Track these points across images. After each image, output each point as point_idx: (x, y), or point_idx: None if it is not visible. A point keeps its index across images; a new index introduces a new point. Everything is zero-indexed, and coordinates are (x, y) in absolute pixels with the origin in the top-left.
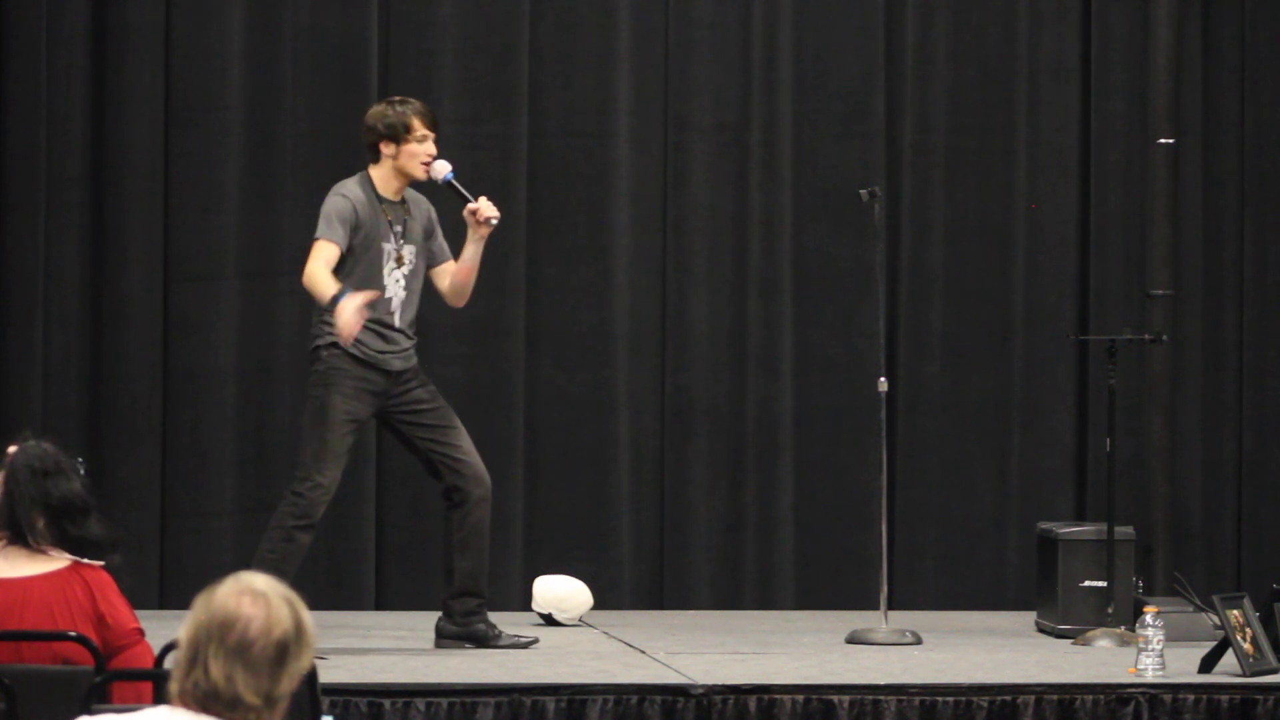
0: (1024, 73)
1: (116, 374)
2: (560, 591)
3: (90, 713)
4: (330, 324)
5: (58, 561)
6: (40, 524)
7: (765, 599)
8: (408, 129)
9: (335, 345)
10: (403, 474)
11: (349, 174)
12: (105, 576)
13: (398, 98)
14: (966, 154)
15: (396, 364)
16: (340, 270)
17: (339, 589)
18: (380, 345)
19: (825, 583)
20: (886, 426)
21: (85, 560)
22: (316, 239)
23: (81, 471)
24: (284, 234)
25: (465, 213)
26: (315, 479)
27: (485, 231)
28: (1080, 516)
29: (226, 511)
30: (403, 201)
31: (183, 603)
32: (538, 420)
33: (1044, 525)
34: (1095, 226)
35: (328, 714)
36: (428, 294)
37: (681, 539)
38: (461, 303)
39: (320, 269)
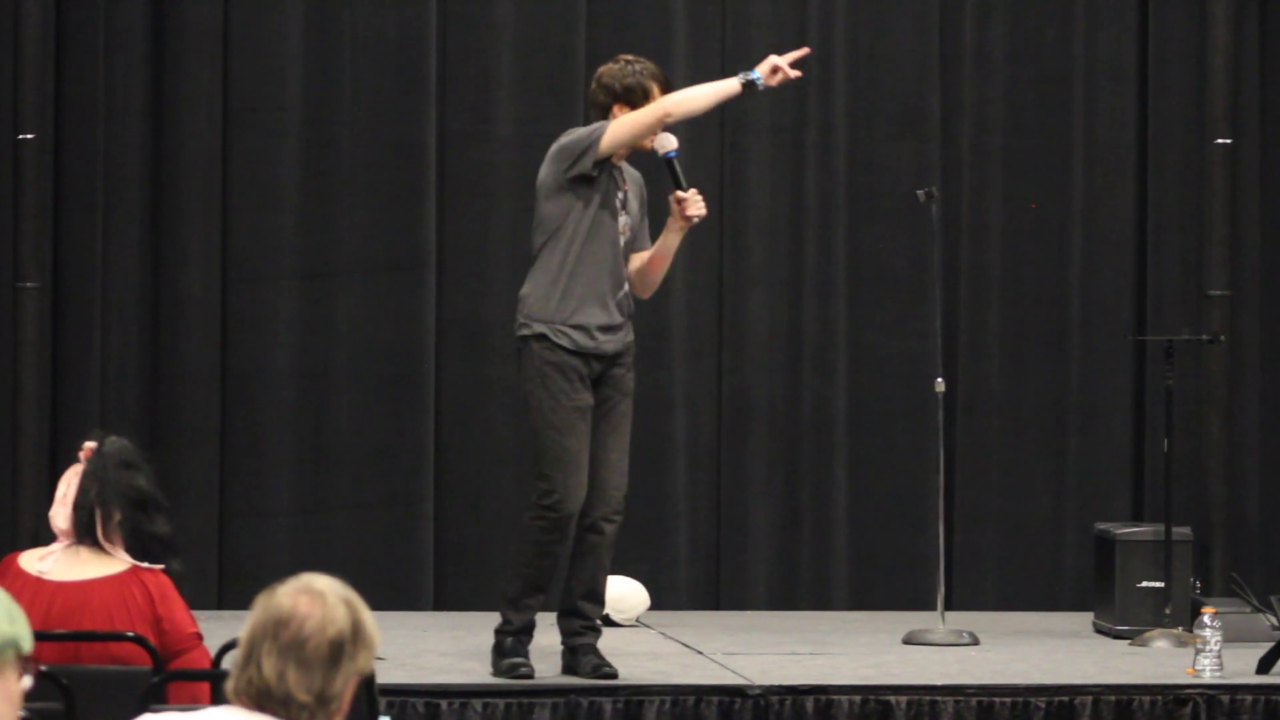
0: (1081, 73)
1: (175, 374)
2: (617, 592)
3: (149, 713)
4: (543, 308)
5: (118, 565)
6: (117, 516)
7: (821, 599)
8: (646, 94)
9: (543, 337)
10: (461, 474)
11: (406, 172)
12: (165, 580)
13: (631, 57)
14: (1023, 154)
15: (610, 345)
16: (564, 230)
17: (397, 589)
18: (599, 323)
19: (881, 583)
20: (944, 427)
21: (146, 564)
22: (603, 126)
23: None
24: (341, 234)
25: (672, 198)
26: (560, 488)
27: (686, 225)
28: (1138, 517)
29: (284, 512)
30: (620, 169)
31: (241, 603)
32: None
33: (1101, 526)
34: (1152, 227)
35: (385, 714)
36: (477, 290)
37: (738, 539)
38: (648, 294)
39: (648, 106)
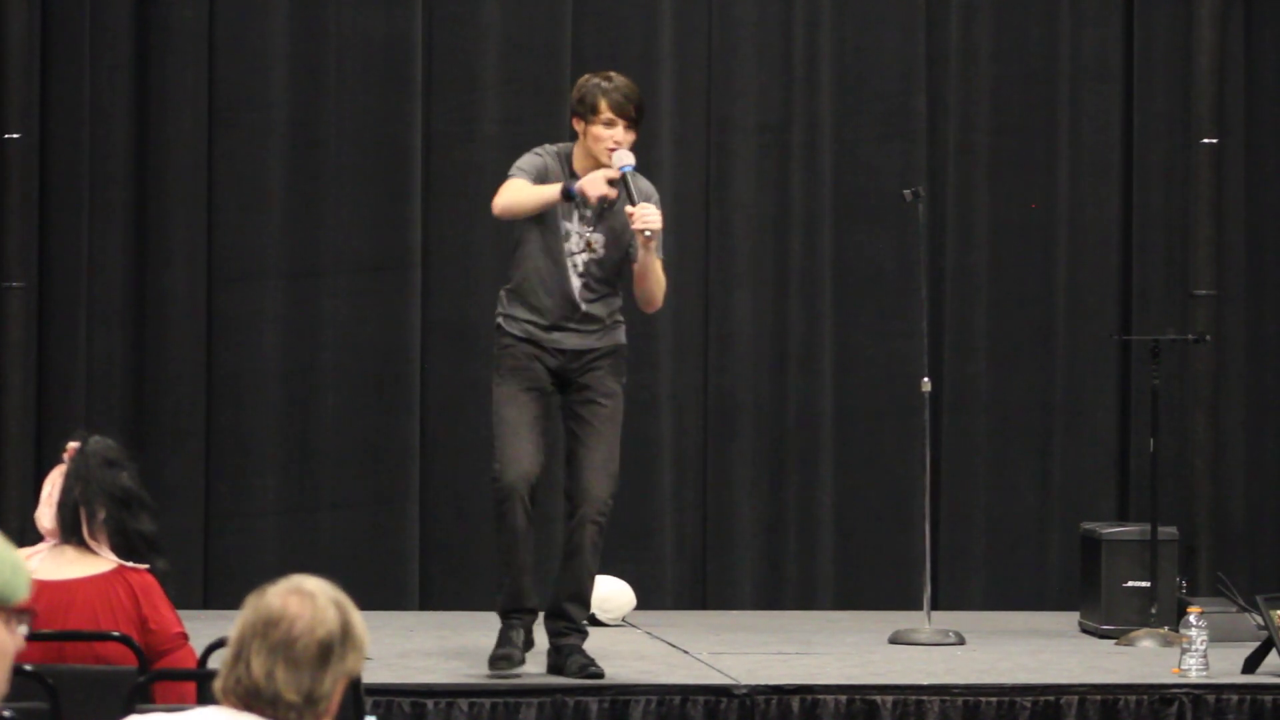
0: (1066, 73)
1: (160, 374)
2: (603, 592)
3: (135, 713)
4: (501, 300)
5: (103, 564)
6: (102, 514)
7: (807, 599)
8: (594, 110)
9: (500, 327)
10: (446, 473)
11: (392, 173)
12: (150, 580)
13: (609, 74)
14: (1008, 154)
15: (571, 342)
16: (522, 239)
17: (382, 589)
18: (550, 323)
19: (867, 583)
20: (930, 426)
21: (131, 564)
22: (511, 174)
23: None
24: (327, 234)
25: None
26: (501, 458)
27: (645, 241)
28: (1123, 517)
29: (270, 511)
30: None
31: (226, 603)
32: None
33: (1087, 525)
34: (1138, 226)
35: (371, 714)
36: (463, 290)
37: (724, 539)
38: (649, 309)
39: (514, 188)
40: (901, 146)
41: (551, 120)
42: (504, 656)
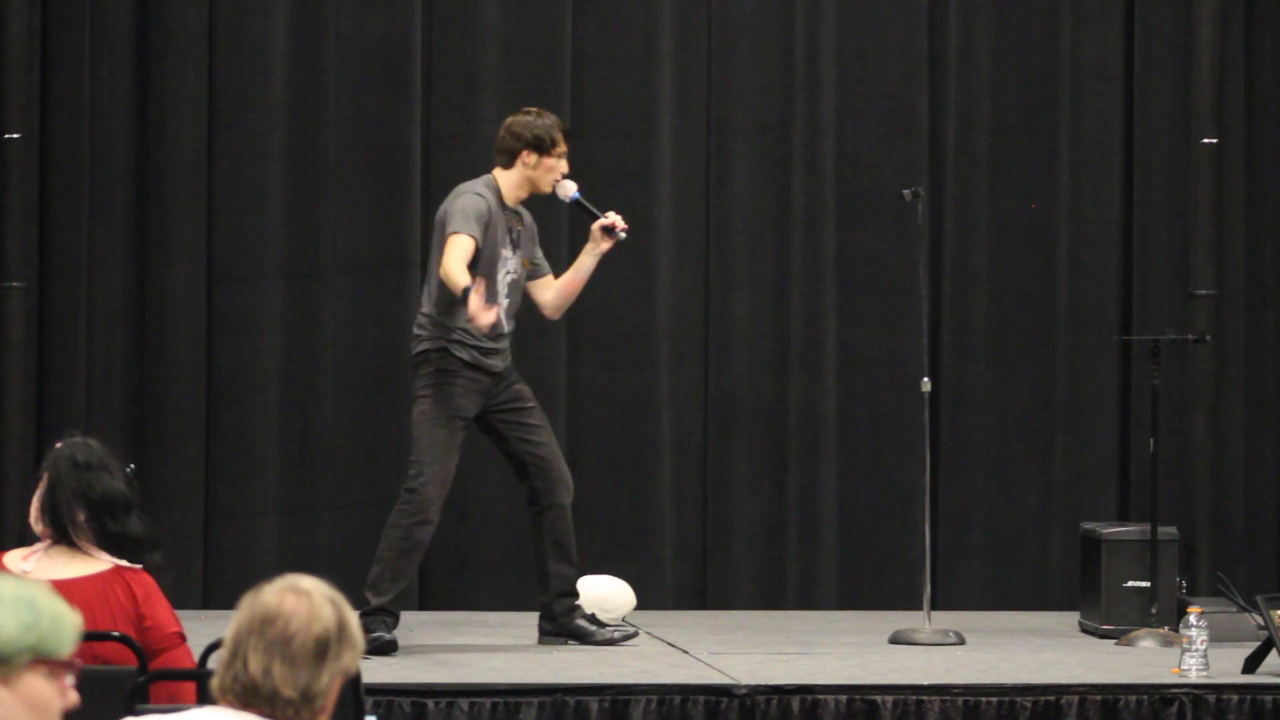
0: (1067, 72)
1: (160, 374)
2: (603, 591)
3: (134, 713)
4: (443, 326)
5: (99, 564)
6: (81, 518)
7: (808, 599)
8: (553, 143)
9: (446, 350)
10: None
11: (392, 173)
12: (148, 579)
13: (536, 110)
14: (1009, 154)
15: (498, 365)
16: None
17: None
18: (489, 347)
19: (867, 583)
20: (930, 426)
21: (126, 563)
22: (454, 233)
23: (130, 475)
24: (327, 234)
25: (596, 227)
26: (427, 474)
27: (609, 246)
28: (1123, 516)
29: (270, 512)
30: (518, 211)
31: (226, 603)
32: (580, 420)
33: (1087, 525)
34: (1138, 226)
35: (371, 714)
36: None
37: (724, 539)
38: (559, 314)
39: (458, 261)
40: (902, 146)
41: None
42: (382, 637)
